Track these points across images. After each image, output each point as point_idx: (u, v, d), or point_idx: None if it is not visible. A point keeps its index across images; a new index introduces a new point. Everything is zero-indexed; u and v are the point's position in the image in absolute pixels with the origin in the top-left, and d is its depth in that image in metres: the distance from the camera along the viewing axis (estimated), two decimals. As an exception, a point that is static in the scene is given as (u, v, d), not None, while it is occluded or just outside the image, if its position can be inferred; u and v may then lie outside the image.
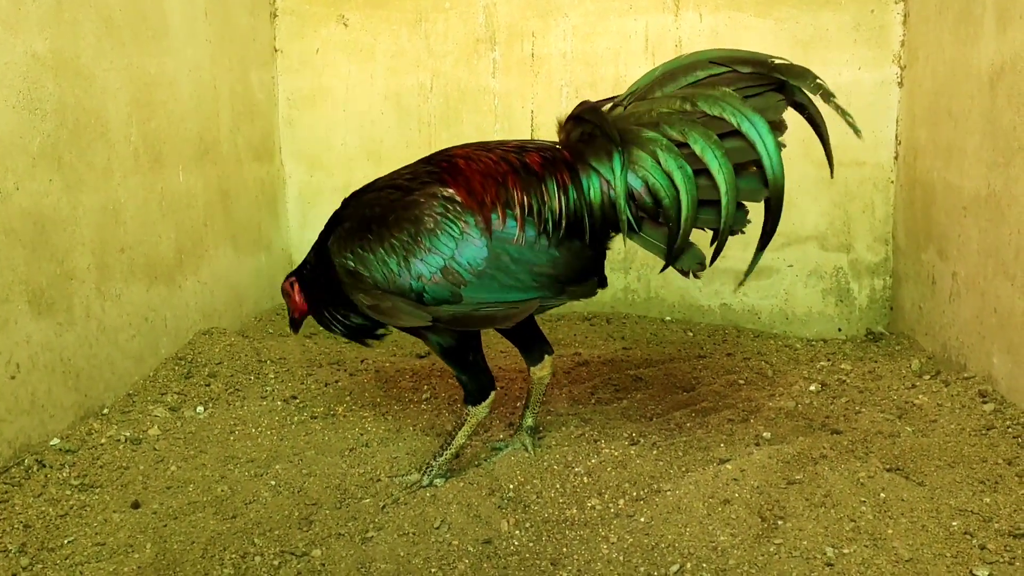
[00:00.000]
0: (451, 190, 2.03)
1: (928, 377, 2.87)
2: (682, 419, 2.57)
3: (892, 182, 3.73)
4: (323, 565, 1.84)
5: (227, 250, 3.53)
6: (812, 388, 2.82)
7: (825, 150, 2.00)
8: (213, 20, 3.39)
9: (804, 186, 3.76)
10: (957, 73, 2.96)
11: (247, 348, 3.18)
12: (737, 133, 1.92)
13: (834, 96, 1.93)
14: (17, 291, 2.26)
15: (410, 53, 4.00)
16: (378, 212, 2.08)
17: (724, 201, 1.93)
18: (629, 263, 3.94)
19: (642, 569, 1.80)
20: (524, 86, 3.94)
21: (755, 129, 1.90)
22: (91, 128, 2.59)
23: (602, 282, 2.17)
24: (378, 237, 2.03)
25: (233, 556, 1.86)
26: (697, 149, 1.93)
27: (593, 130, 2.04)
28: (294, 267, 4.13)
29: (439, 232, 2.00)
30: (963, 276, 2.91)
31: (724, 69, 1.97)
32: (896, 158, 3.70)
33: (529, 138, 2.23)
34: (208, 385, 2.86)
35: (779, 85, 1.94)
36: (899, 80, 3.64)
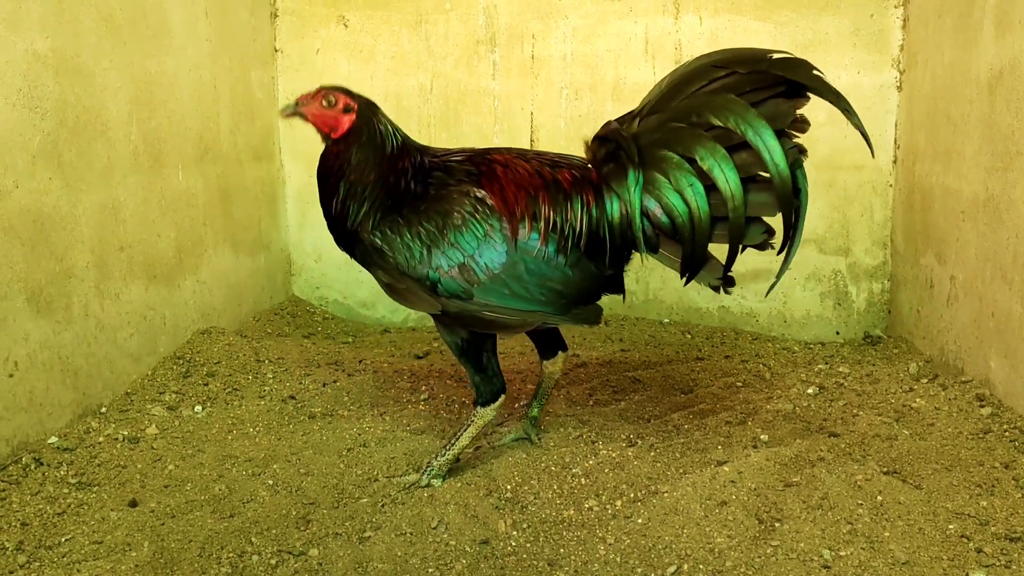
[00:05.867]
0: (485, 192, 2.08)
1: (926, 381, 2.87)
2: (680, 421, 2.57)
3: (891, 186, 3.74)
4: (320, 564, 1.84)
5: (226, 250, 3.53)
6: (810, 391, 2.82)
7: (856, 126, 1.93)
8: (213, 20, 3.39)
9: (803, 189, 3.76)
10: (956, 77, 2.97)
11: (245, 348, 3.18)
12: (747, 144, 1.91)
13: (834, 89, 1.90)
14: (16, 289, 2.26)
15: (410, 54, 4.00)
16: (407, 198, 2.09)
17: (731, 217, 1.94)
18: (627, 265, 3.94)
19: (639, 570, 1.80)
20: (524, 88, 3.94)
21: (761, 140, 1.89)
22: (91, 127, 2.59)
23: (616, 289, 2.23)
24: (407, 222, 2.07)
25: (230, 555, 1.86)
26: (705, 166, 1.95)
27: (615, 150, 2.08)
28: (293, 268, 4.19)
29: (465, 229, 2.05)
30: (961, 280, 2.92)
31: (725, 72, 1.97)
32: (895, 162, 3.71)
33: (563, 153, 2.27)
34: (206, 384, 2.86)
35: (787, 86, 1.92)
36: (898, 84, 3.65)
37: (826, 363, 3.24)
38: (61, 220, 2.44)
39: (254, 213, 3.82)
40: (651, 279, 3.96)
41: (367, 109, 2.11)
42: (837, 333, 3.88)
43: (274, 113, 4.05)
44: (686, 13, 3.78)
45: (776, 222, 2.00)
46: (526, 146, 3.95)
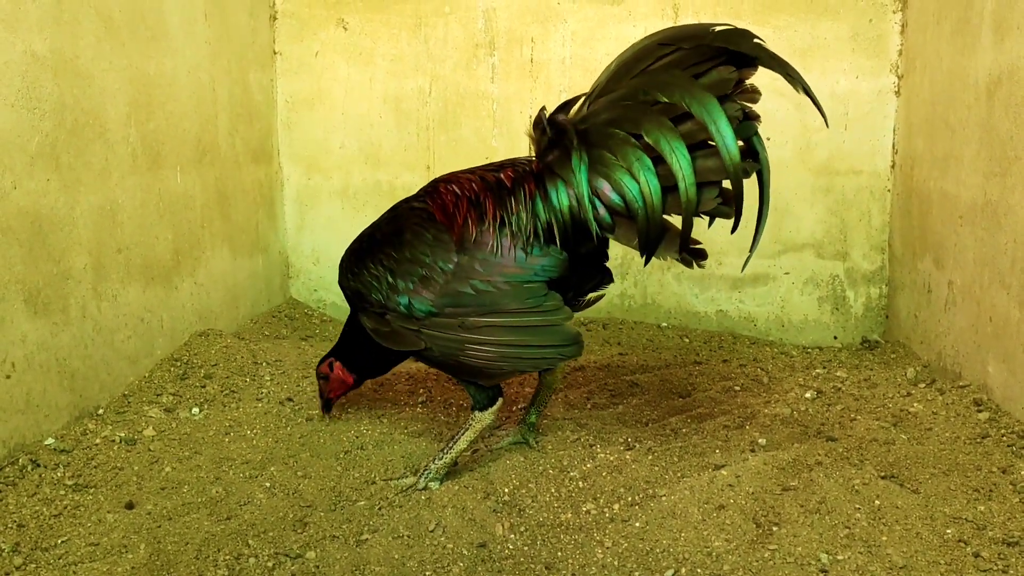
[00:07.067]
0: (425, 204, 2.18)
1: (923, 385, 2.87)
2: (678, 425, 2.57)
3: (889, 191, 3.74)
4: (317, 567, 1.84)
5: (224, 252, 3.53)
6: (808, 395, 2.82)
7: (805, 91, 1.94)
8: (212, 22, 3.39)
9: (801, 194, 3.77)
10: (954, 83, 2.98)
11: (243, 350, 3.17)
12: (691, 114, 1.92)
13: (776, 57, 1.91)
14: (13, 290, 2.25)
15: (409, 57, 4.00)
16: (367, 233, 2.26)
17: (682, 187, 1.93)
18: (626, 269, 3.95)
19: (636, 574, 1.80)
20: (523, 91, 3.95)
21: (704, 108, 1.88)
22: (89, 128, 2.58)
23: (601, 283, 2.26)
24: (370, 254, 2.18)
25: (227, 557, 1.86)
26: (651, 139, 1.94)
27: (555, 136, 2.10)
28: (291, 270, 4.19)
29: (416, 240, 2.12)
30: (959, 285, 2.92)
31: (671, 49, 1.98)
32: (893, 167, 3.71)
33: (523, 156, 2.30)
34: (204, 387, 2.85)
35: (730, 55, 1.92)
36: (896, 89, 3.66)
37: (824, 367, 3.24)
38: (59, 221, 2.44)
39: (252, 215, 3.82)
40: (649, 283, 3.96)
41: None
42: (835, 338, 3.89)
43: (273, 115, 4.05)
44: (684, 17, 3.79)
45: (751, 202, 1.98)
46: (525, 150, 3.95)
